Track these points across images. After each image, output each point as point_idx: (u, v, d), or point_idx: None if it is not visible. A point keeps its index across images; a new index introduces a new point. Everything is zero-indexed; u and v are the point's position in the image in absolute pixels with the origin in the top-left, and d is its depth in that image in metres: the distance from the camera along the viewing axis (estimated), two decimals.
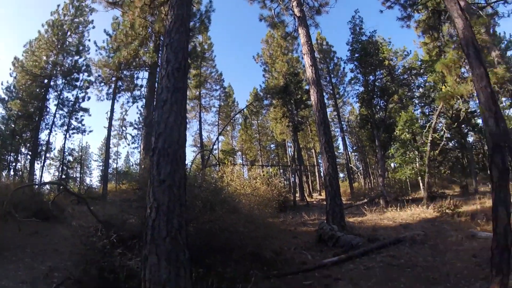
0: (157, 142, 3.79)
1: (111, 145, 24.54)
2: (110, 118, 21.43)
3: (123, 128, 30.17)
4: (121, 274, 3.82)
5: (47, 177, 28.31)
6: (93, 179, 40.39)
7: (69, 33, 22.75)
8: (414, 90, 22.54)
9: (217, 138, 25.12)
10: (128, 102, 22.34)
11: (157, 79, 15.21)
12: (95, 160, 41.25)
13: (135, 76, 20.54)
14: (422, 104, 21.82)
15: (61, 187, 10.34)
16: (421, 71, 20.70)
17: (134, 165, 32.31)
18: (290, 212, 14.58)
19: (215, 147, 28.85)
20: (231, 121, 32.19)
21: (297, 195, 21.78)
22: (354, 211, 14.20)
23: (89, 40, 25.17)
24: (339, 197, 9.23)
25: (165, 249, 3.37)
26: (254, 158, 34.30)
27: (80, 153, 30.47)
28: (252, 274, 4.36)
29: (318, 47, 27.71)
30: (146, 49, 15.88)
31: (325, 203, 9.72)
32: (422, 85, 21.78)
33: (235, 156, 33.06)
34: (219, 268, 4.15)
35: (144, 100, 18.77)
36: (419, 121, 19.05)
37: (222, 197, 4.97)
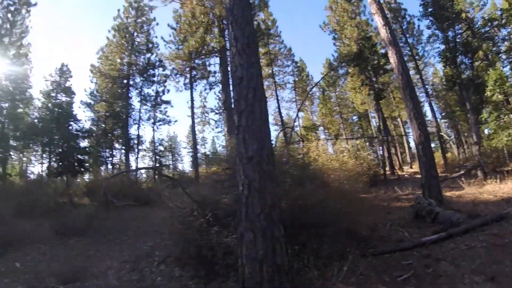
0: (240, 119, 3.78)
1: (196, 132, 25.90)
2: (192, 107, 22.96)
3: (205, 115, 31.88)
4: (218, 252, 3.98)
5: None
6: (185, 164, 43.85)
7: (135, 33, 24.45)
8: (499, 44, 19.60)
9: (297, 115, 24.94)
10: (205, 89, 23.23)
11: (228, 62, 15.60)
12: (184, 148, 44.69)
13: (207, 63, 21.59)
14: (510, 60, 18.97)
15: (156, 172, 11.45)
16: (503, 21, 18.16)
17: (221, 147, 34.69)
18: (381, 186, 13.93)
19: (295, 124, 28.85)
20: (308, 95, 31.73)
21: (387, 168, 20.64)
22: (450, 184, 12.96)
23: (156, 37, 26.89)
24: (434, 169, 8.42)
25: (260, 226, 3.39)
26: (336, 132, 33.42)
27: (170, 142, 33.47)
28: (349, 252, 4.18)
29: (386, 6, 25.13)
30: (212, 35, 16.31)
31: (417, 176, 8.94)
32: (506, 37, 18.99)
33: (317, 132, 32.65)
34: (314, 245, 4.06)
35: (220, 85, 19.35)
36: (509, 80, 16.33)
37: (310, 172, 4.85)
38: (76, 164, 14.19)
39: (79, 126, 14.90)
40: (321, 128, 35.07)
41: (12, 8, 17.38)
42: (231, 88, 15.42)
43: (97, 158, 21.72)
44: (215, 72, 23.01)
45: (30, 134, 14.26)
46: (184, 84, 23.17)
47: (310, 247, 4.05)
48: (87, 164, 15.09)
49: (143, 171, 21.13)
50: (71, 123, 14.43)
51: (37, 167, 34.26)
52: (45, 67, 65.23)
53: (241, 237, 3.50)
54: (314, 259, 3.96)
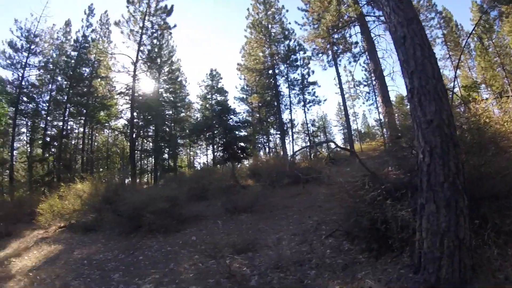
0: (412, 81, 3.52)
1: (347, 107, 25.77)
2: (339, 83, 23.58)
3: (355, 88, 31.52)
4: (393, 225, 3.86)
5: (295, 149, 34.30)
6: (338, 142, 44.64)
7: (269, 26, 25.82)
8: None
9: (455, 74, 21.54)
10: (349, 62, 23.06)
11: (370, 29, 14.71)
12: (334, 126, 45.87)
13: (347, 35, 21.22)
14: None
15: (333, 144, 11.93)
16: None
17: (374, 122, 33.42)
18: None
19: (453, 84, 24.80)
20: (463, 48, 26.64)
21: None
22: None
23: (290, 23, 27.96)
24: None
25: (444, 196, 3.12)
26: (501, 89, 26.84)
27: (320, 122, 34.68)
28: None
29: None
30: (345, 5, 15.62)
31: None
32: None
33: (479, 91, 27.21)
34: (496, 220, 3.44)
35: (366, 54, 18.48)
36: None
37: (489, 137, 4.09)
38: (238, 151, 16.48)
39: (238, 118, 17.33)
40: (482, 86, 28.69)
41: (155, 35, 20.84)
42: (379, 55, 14.63)
43: (255, 144, 24.55)
44: (356, 43, 22.55)
45: (196, 131, 17.54)
46: (328, 61, 23.62)
47: (491, 222, 3.44)
48: (248, 150, 17.38)
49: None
50: (231, 116, 16.88)
51: (202, 159, 41.46)
52: (197, 74, 77.30)
53: (421, 209, 3.30)
54: (494, 236, 3.38)
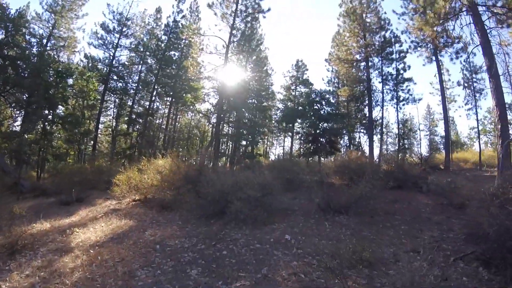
0: None
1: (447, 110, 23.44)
2: (440, 81, 21.75)
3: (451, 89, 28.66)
4: None
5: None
6: (422, 148, 41.06)
7: (364, 15, 24.51)
8: None
9: None
10: (451, 59, 21.08)
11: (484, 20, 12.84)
12: (421, 130, 41.33)
13: (456, 25, 19.10)
14: None
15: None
16: None
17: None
18: None
19: None
20: None
21: None
22: None
23: (385, 13, 26.05)
24: None
25: None
26: None
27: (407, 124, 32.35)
28: None
29: None
30: None
31: None
32: None
33: None
34: None
35: (479, 49, 16.38)
36: None
37: None
38: (327, 144, 15.74)
39: (331, 109, 16.41)
40: None
41: (249, 18, 20.72)
42: (494, 50, 12.58)
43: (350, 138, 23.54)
44: (459, 37, 20.22)
45: (288, 117, 16.99)
46: (427, 57, 22.21)
47: None
48: (337, 145, 16.49)
49: None
50: (324, 106, 16.11)
51: (278, 150, 41.41)
52: (282, 65, 77.38)
53: None
54: None
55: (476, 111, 25.97)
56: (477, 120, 26.28)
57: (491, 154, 24.56)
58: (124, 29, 25.36)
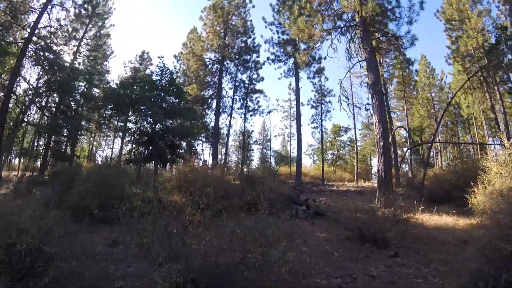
0: None
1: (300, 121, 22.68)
2: (297, 94, 21.34)
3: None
4: None
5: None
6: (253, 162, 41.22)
7: (231, 14, 22.53)
8: None
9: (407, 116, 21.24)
10: (308, 78, 22.40)
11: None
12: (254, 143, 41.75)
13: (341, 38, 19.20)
14: None
15: None
16: None
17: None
18: None
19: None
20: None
21: None
22: None
23: (251, 21, 24.90)
24: None
25: None
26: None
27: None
28: None
29: None
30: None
31: None
32: None
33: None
34: None
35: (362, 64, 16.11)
36: None
37: None
38: (168, 149, 11.76)
39: (180, 103, 12.28)
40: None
41: None
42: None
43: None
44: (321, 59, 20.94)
45: (115, 100, 11.67)
46: (285, 71, 22.35)
47: None
48: (181, 151, 12.51)
49: None
50: (169, 97, 11.95)
51: (106, 152, 34.80)
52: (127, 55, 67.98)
53: None
54: None
55: (322, 129, 27.60)
56: (322, 137, 27.88)
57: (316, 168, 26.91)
58: None
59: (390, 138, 11.61)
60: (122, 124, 17.01)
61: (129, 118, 13.33)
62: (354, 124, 28.39)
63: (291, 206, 9.68)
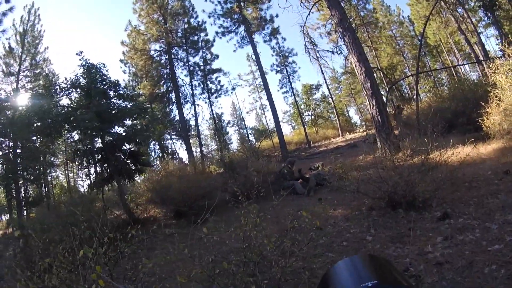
0: None
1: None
2: (258, 60, 19.38)
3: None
4: None
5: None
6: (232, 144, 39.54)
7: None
8: None
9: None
10: (265, 41, 20.67)
11: None
12: (230, 126, 39.27)
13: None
14: None
15: None
16: None
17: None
18: None
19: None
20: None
21: None
22: None
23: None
24: None
25: None
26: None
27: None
28: None
29: None
30: None
31: None
32: None
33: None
34: None
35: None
36: None
37: None
38: (127, 160, 9.82)
39: (125, 103, 10.07)
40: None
41: None
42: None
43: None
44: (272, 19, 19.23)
45: (52, 126, 9.57)
46: (238, 42, 20.55)
47: None
48: (142, 158, 10.54)
49: None
50: (111, 98, 9.77)
51: (86, 182, 32.05)
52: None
53: None
54: None
55: (293, 92, 26.74)
56: (295, 100, 26.73)
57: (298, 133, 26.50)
58: None
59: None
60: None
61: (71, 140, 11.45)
62: (324, 78, 27.07)
63: (286, 184, 8.24)
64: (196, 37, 21.47)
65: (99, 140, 9.98)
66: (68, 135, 11.40)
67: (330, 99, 29.17)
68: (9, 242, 13.60)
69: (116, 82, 10.19)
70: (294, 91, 28.01)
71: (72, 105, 9.94)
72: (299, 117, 26.56)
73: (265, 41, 21.74)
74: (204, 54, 21.54)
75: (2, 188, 20.10)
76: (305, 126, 25.85)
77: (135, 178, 10.33)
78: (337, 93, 34.37)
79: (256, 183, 5.76)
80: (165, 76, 19.92)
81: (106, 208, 9.23)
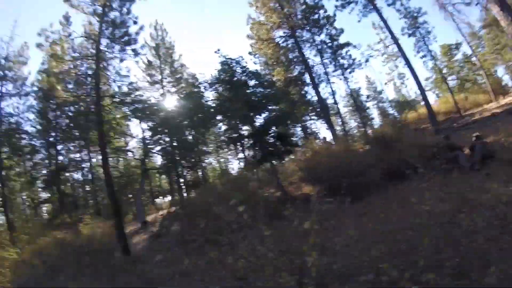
0: None
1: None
2: (386, 25, 17.91)
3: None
4: None
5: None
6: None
7: None
8: None
9: None
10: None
11: None
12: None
13: None
14: None
15: None
16: None
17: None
18: None
19: None
20: None
21: None
22: None
23: None
24: None
25: None
26: None
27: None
28: None
29: None
30: None
31: None
32: None
33: None
34: None
35: None
36: None
37: None
38: (277, 143, 10.62)
39: (266, 90, 10.92)
40: None
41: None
42: None
43: None
44: None
45: (205, 120, 11.16)
46: (361, 10, 19.43)
47: None
48: (290, 139, 11.27)
49: None
50: (254, 88, 10.72)
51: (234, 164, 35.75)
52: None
53: None
54: None
55: (431, 55, 23.84)
56: (436, 64, 24.57)
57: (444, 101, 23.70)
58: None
59: None
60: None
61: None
62: (463, 35, 22.92)
63: (447, 156, 7.44)
64: (316, 16, 21.20)
65: (246, 128, 11.05)
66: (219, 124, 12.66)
67: (473, 58, 24.58)
68: (174, 219, 16.59)
69: (256, 72, 11.01)
70: (433, 53, 24.62)
71: (219, 99, 11.24)
72: (443, 82, 23.30)
73: (388, 5, 20.06)
74: (328, 31, 21.10)
75: (165, 175, 24.93)
76: (452, 93, 22.63)
77: (284, 159, 11.10)
78: (479, 51, 28.58)
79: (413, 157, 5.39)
80: (295, 60, 20.41)
81: (261, 187, 10.23)
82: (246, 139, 10.81)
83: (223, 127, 13.00)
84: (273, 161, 10.65)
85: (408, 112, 23.87)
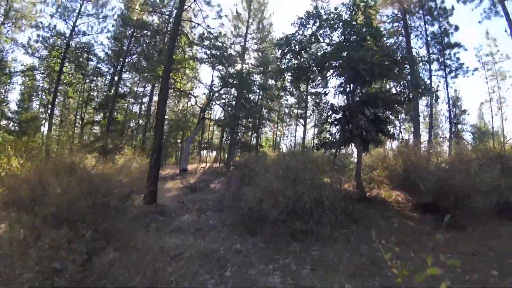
0: None
1: None
2: None
3: None
4: None
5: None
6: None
7: None
8: None
9: None
10: None
11: None
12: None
13: None
14: None
15: None
16: None
17: None
18: None
19: None
20: None
21: None
22: None
23: None
24: None
25: None
26: None
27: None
28: None
29: None
30: None
31: None
32: None
33: None
34: None
35: None
36: None
37: None
38: (382, 125, 8.58)
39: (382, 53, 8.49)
40: None
41: None
42: None
43: None
44: None
45: (301, 69, 9.29)
46: (485, 10, 15.76)
47: None
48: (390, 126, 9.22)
49: None
50: (368, 47, 8.46)
51: (289, 141, 34.30)
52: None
53: None
54: None
55: None
56: None
57: None
58: None
59: None
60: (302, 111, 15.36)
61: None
62: None
63: None
64: (432, 3, 18.14)
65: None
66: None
67: None
68: (215, 176, 15.85)
69: (377, 28, 8.77)
70: None
71: (331, 44, 8.96)
72: None
73: None
74: (440, 24, 17.99)
75: (221, 129, 24.18)
76: None
77: (369, 148, 9.12)
78: None
79: None
80: (395, 46, 17.88)
81: (337, 179, 8.42)
82: (335, 112, 8.91)
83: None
84: (362, 147, 8.70)
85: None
